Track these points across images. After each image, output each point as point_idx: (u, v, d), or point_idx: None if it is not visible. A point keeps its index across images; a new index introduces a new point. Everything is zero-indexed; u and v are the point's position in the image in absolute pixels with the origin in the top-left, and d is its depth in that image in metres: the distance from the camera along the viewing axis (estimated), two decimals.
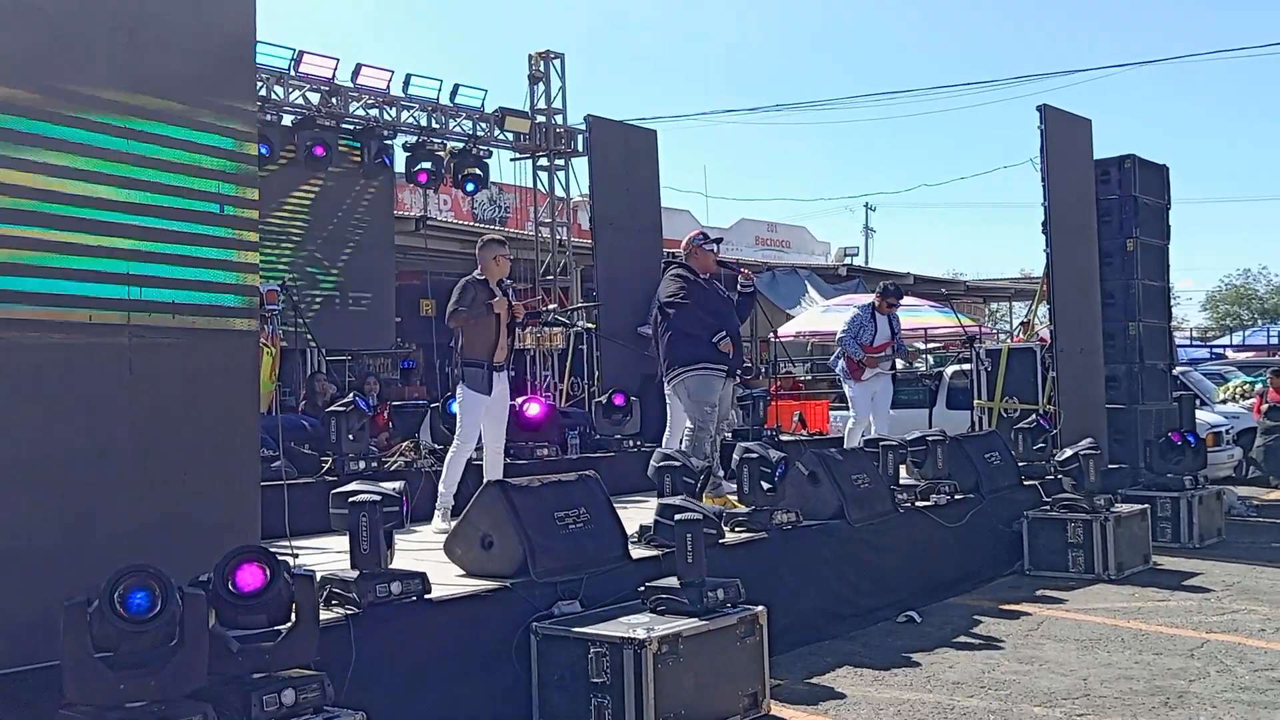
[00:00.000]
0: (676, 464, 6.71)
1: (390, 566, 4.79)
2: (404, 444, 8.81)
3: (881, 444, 8.10)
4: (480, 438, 7.44)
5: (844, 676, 5.86)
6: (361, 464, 7.79)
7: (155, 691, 3.33)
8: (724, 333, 7.74)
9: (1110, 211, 11.45)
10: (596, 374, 11.83)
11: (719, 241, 8.19)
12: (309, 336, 9.96)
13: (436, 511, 7.24)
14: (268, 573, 3.60)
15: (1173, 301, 12.83)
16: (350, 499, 4.59)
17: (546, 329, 10.87)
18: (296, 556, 5.66)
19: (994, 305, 37.88)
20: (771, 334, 14.09)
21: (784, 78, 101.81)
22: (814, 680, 5.79)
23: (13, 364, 3.89)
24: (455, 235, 17.63)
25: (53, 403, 3.97)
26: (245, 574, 3.58)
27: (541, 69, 13.38)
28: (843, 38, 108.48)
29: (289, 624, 3.79)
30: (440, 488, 7.30)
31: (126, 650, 3.29)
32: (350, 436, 7.84)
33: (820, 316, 19.49)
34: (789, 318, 21.03)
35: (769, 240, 35.61)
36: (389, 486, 4.70)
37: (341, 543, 6.10)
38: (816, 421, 13.11)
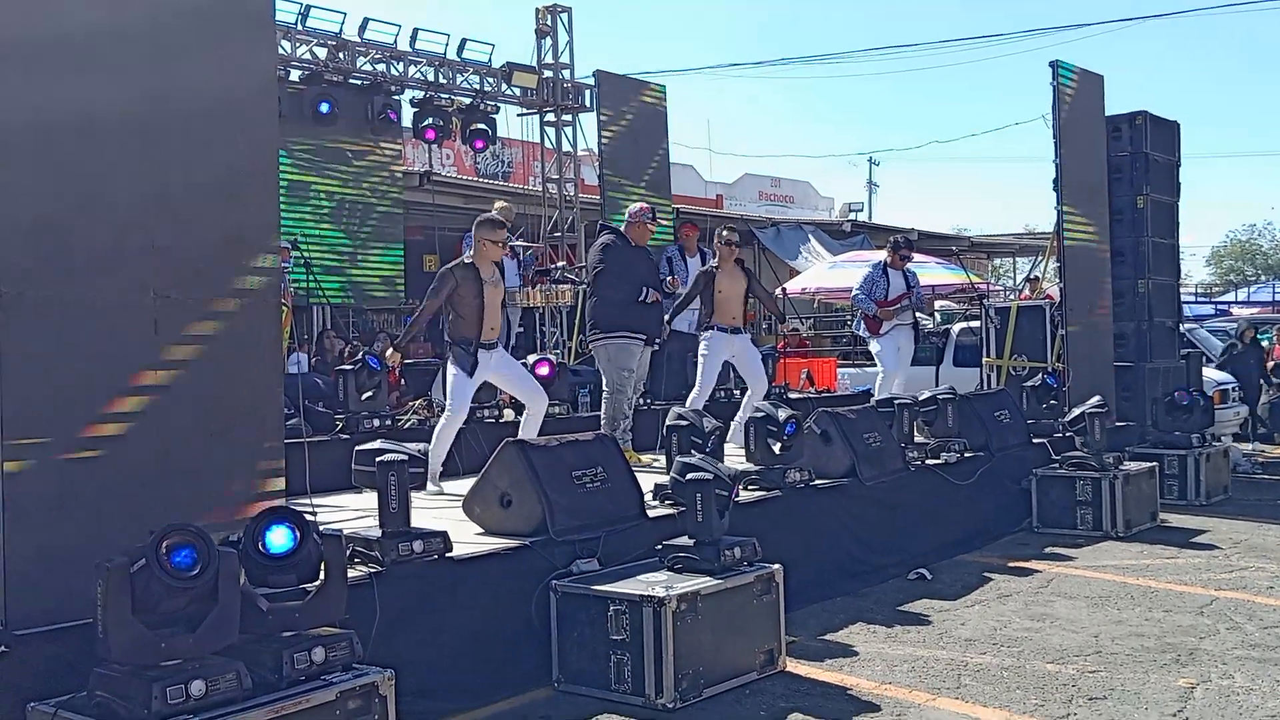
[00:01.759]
0: (685, 424, 6.74)
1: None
2: (417, 402, 8.84)
3: (897, 402, 8.12)
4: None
5: (857, 633, 5.93)
6: (375, 422, 7.83)
7: (192, 649, 3.38)
8: (646, 289, 8.00)
9: (1121, 168, 11.40)
10: None
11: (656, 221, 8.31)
12: (322, 294, 9.97)
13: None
14: (298, 535, 3.63)
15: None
16: (379, 458, 4.62)
17: (555, 286, 10.84)
18: (315, 514, 5.72)
19: (997, 261, 37.83)
20: (780, 289, 14.08)
21: (790, 31, 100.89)
22: (828, 637, 5.85)
23: (45, 328, 3.91)
24: (459, 190, 17.58)
25: (80, 364, 3.99)
26: (276, 536, 3.61)
27: (549, 23, 13.28)
28: None
29: (318, 582, 3.83)
30: (430, 456, 7.31)
31: (167, 608, 3.33)
32: (366, 395, 7.88)
33: (828, 273, 19.45)
34: (791, 270, 20.98)
35: (773, 195, 35.49)
36: (413, 447, 4.73)
37: (359, 500, 6.19)
38: (824, 379, 13.13)
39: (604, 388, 8.24)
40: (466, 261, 7.21)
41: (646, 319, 8.12)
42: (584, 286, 8.38)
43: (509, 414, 8.92)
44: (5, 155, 3.88)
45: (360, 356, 8.51)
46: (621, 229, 8.23)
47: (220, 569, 3.38)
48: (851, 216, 30.26)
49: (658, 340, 8.34)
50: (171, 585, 3.25)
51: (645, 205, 8.32)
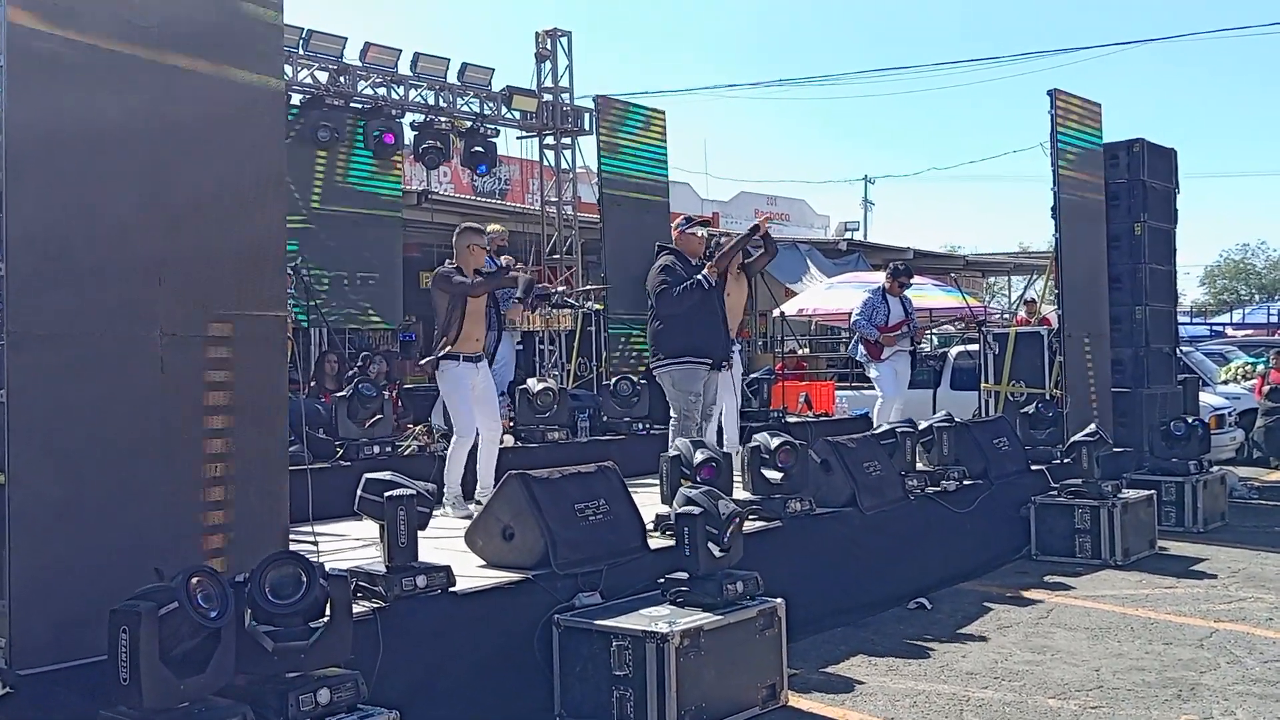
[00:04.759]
0: (674, 454, 6.74)
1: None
2: (417, 428, 8.84)
3: (899, 430, 8.12)
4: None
5: (858, 666, 5.92)
6: (375, 449, 7.83)
7: (203, 690, 3.38)
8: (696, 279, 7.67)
9: (1118, 195, 11.46)
10: (604, 355, 11.86)
11: (705, 224, 8.12)
12: (323, 319, 9.96)
13: (446, 503, 7.27)
14: (304, 580, 3.62)
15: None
16: (388, 492, 4.61)
17: (555, 311, 10.86)
18: (317, 543, 5.72)
19: (991, 279, 37.94)
20: (777, 310, 14.08)
21: (787, 53, 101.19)
22: (829, 670, 5.85)
23: (52, 367, 3.91)
24: (456, 209, 17.64)
25: (87, 401, 3.99)
26: (281, 582, 3.60)
27: (549, 47, 13.33)
28: (848, 13, 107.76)
29: (323, 621, 3.83)
30: (445, 480, 7.36)
31: (182, 651, 3.33)
32: (373, 421, 7.93)
33: (824, 294, 19.48)
34: (786, 290, 20.99)
35: (768, 214, 35.50)
36: (421, 485, 4.73)
37: (362, 529, 6.19)
38: (822, 402, 13.13)
39: (671, 414, 7.91)
40: (451, 267, 7.31)
41: (712, 342, 7.79)
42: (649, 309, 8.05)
43: (508, 439, 8.91)
44: (15, 186, 3.89)
45: (353, 384, 8.50)
46: (676, 248, 7.92)
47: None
48: (847, 235, 30.30)
49: (725, 363, 8.00)
50: (201, 629, 3.27)
51: (679, 214, 8.18)
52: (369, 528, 5.93)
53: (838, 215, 39.18)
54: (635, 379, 10.40)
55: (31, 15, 3.92)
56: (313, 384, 10.21)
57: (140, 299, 4.12)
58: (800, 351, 18.95)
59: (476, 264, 7.40)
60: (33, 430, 3.84)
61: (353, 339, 15.32)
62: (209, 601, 3.33)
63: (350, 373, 9.75)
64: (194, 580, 3.32)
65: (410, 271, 15.52)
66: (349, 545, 6.13)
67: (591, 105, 12.96)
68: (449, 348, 7.24)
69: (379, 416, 8.14)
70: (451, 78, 12.21)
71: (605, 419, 10.29)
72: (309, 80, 11.33)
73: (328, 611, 3.83)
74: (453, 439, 7.43)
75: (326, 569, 3.84)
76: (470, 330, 7.26)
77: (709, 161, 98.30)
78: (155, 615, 3.25)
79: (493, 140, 12.84)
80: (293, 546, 4.60)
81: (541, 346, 13.44)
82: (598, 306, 11.90)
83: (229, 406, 4.35)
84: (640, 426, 10.15)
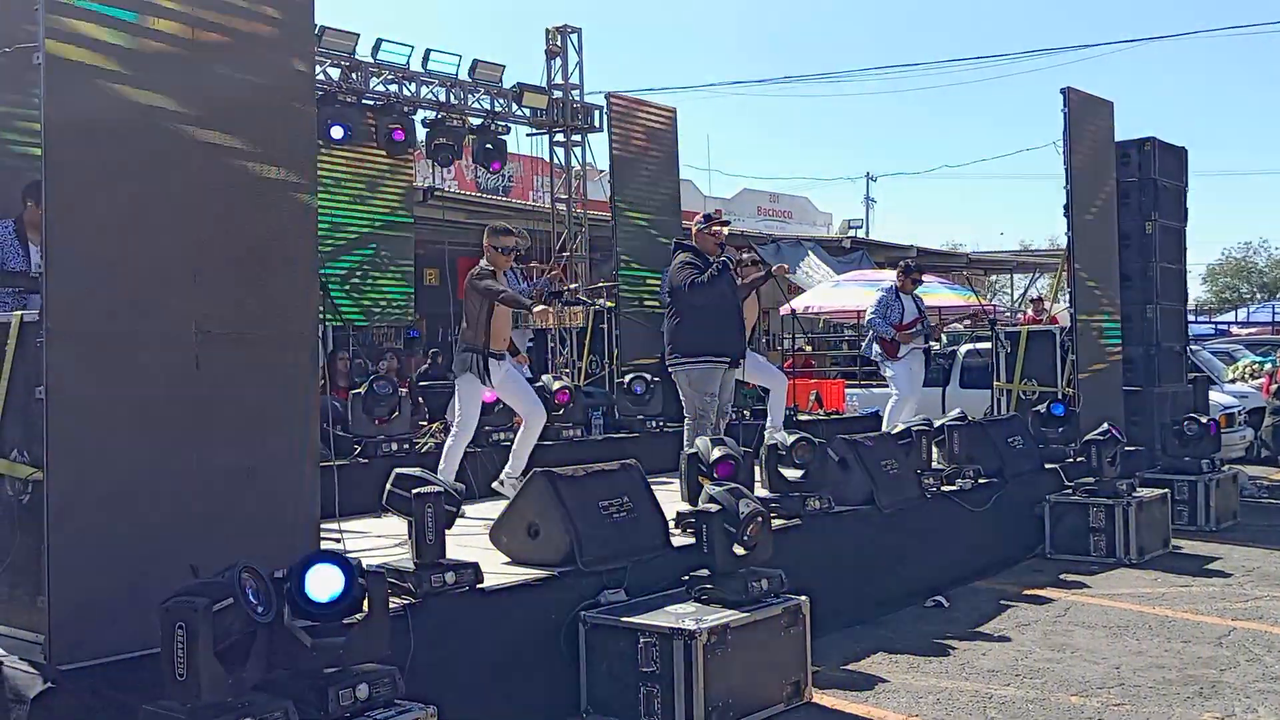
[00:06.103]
0: (693, 451, 6.78)
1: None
2: (434, 425, 8.85)
3: (914, 429, 8.14)
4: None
5: (880, 663, 5.95)
6: (393, 445, 7.84)
7: (244, 685, 3.40)
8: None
9: (1130, 193, 11.45)
10: (615, 353, 11.88)
11: (725, 223, 8.15)
12: (339, 316, 9.98)
13: None
14: (346, 580, 3.62)
15: None
16: (416, 489, 4.63)
17: (566, 308, 10.86)
18: (341, 540, 5.73)
19: (994, 277, 37.98)
20: (786, 306, 14.09)
21: (793, 49, 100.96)
22: (851, 667, 5.88)
23: (90, 361, 3.92)
24: (462, 205, 17.67)
25: (125, 399, 4.00)
26: (322, 581, 3.61)
27: (559, 43, 13.34)
28: (855, 10, 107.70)
29: (360, 617, 3.84)
30: (439, 471, 7.36)
31: (226, 646, 3.35)
32: (391, 416, 7.94)
33: (831, 291, 19.48)
34: (791, 286, 20.99)
35: (771, 211, 35.54)
36: (449, 483, 4.75)
37: (384, 526, 6.22)
38: (833, 400, 13.16)
39: (686, 414, 7.93)
40: (486, 268, 7.34)
41: (728, 340, 7.84)
42: (665, 307, 8.04)
43: None
44: (55, 183, 3.90)
45: (368, 382, 8.53)
46: (695, 245, 7.99)
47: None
48: (851, 233, 30.30)
49: (740, 360, 8.05)
50: (251, 624, 3.29)
51: (696, 213, 8.20)
52: (389, 524, 5.98)
53: (841, 213, 39.27)
54: (649, 376, 10.41)
55: (65, 8, 3.94)
56: (323, 381, 10.22)
57: (176, 295, 4.13)
58: (806, 349, 18.94)
59: (499, 267, 7.45)
60: (70, 425, 3.86)
61: (357, 336, 15.33)
62: (257, 597, 3.35)
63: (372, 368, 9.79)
64: (243, 576, 3.33)
65: (417, 269, 15.53)
66: (375, 544, 6.15)
67: (601, 102, 12.97)
68: (481, 345, 7.24)
69: (395, 413, 8.16)
70: (463, 74, 12.22)
71: (618, 417, 10.31)
72: (321, 77, 11.31)
73: (364, 607, 3.84)
74: (453, 432, 7.38)
75: (364, 566, 3.85)
76: (499, 329, 7.28)
77: (712, 157, 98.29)
78: (210, 611, 3.26)
79: (503, 137, 12.85)
80: None
81: (553, 344, 13.48)
82: (609, 304, 11.91)
83: (262, 403, 4.37)
84: (653, 424, 10.17)
